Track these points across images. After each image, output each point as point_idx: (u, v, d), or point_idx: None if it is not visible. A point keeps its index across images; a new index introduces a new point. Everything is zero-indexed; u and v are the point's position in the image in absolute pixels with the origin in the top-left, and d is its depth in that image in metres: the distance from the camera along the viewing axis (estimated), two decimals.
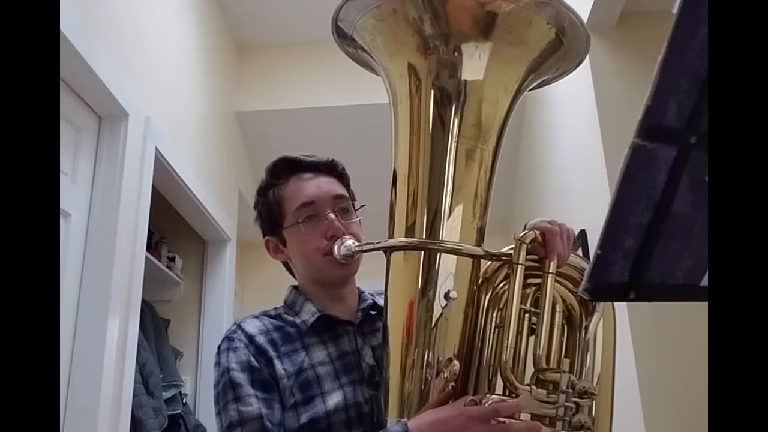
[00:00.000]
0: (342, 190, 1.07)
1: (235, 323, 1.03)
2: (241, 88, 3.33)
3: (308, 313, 1.03)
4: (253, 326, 1.00)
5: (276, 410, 0.92)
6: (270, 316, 1.05)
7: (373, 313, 1.06)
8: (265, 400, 0.92)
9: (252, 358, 0.95)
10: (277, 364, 0.96)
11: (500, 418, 0.84)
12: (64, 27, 1.50)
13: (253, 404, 0.91)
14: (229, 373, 0.94)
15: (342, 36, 1.02)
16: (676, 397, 1.62)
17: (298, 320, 1.03)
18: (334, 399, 0.94)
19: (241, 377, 0.94)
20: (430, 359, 0.91)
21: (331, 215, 1.02)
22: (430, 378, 0.91)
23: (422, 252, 0.94)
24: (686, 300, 0.57)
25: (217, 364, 0.97)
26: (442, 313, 0.92)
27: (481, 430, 0.82)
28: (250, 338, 0.98)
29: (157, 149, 2.13)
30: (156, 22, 2.31)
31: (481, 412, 0.84)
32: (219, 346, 0.99)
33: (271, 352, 0.97)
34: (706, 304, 0.49)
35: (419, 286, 0.93)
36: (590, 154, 2.03)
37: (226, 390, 0.94)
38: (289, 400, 0.93)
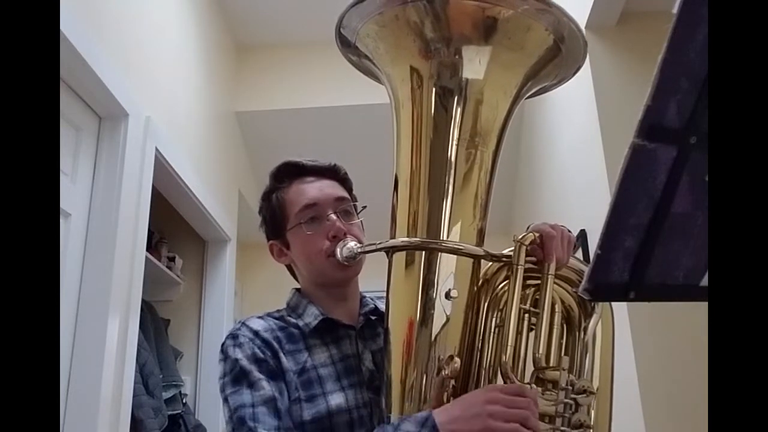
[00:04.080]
0: (344, 193, 1.08)
1: (239, 322, 1.04)
2: (241, 88, 3.33)
3: (311, 316, 1.03)
4: (257, 324, 1.02)
5: (285, 397, 0.94)
6: (274, 317, 1.05)
7: (373, 318, 1.07)
8: (275, 385, 0.94)
9: (257, 351, 0.96)
10: (282, 357, 0.97)
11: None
12: (64, 27, 1.50)
13: (266, 387, 0.92)
14: (238, 362, 0.95)
15: (345, 45, 1.03)
16: (676, 397, 1.62)
17: (300, 323, 1.03)
18: (336, 400, 0.95)
19: (250, 366, 0.95)
20: (431, 358, 0.92)
21: (333, 216, 1.03)
22: (431, 376, 0.91)
23: (423, 252, 0.95)
24: (686, 300, 0.57)
25: (224, 359, 0.98)
26: (443, 313, 0.92)
27: (499, 399, 0.82)
28: (255, 333, 0.99)
29: (157, 149, 2.13)
30: (156, 22, 2.31)
31: (506, 386, 0.86)
32: (223, 344, 1.00)
33: (276, 346, 0.98)
34: (706, 304, 0.49)
35: (420, 286, 0.94)
36: (590, 154, 2.03)
37: (238, 378, 0.94)
38: (293, 394, 0.95)
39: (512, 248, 0.93)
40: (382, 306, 1.08)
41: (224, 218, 2.98)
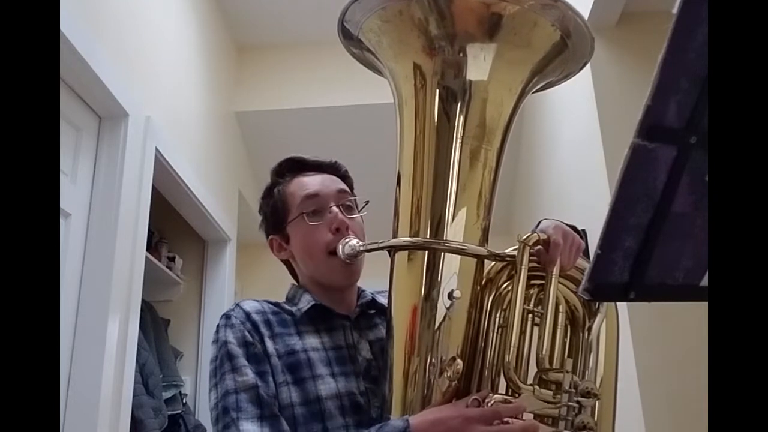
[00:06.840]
0: (345, 187, 1.08)
1: (235, 303, 1.04)
2: (241, 88, 3.33)
3: (304, 302, 1.03)
4: (251, 306, 1.02)
5: (270, 384, 0.94)
6: (269, 302, 1.06)
7: (371, 312, 1.07)
8: (259, 373, 0.94)
9: (247, 334, 0.97)
10: (269, 342, 0.97)
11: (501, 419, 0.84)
12: (64, 27, 1.49)
13: (249, 374, 0.92)
14: (227, 346, 0.96)
15: (348, 37, 1.02)
16: (676, 397, 1.62)
17: (294, 308, 1.03)
18: (327, 385, 0.95)
19: (237, 351, 0.95)
20: (433, 359, 0.91)
21: (335, 208, 1.03)
22: (433, 377, 0.91)
23: (426, 251, 0.94)
24: (686, 300, 0.57)
25: (216, 340, 0.99)
26: (446, 313, 0.92)
27: (479, 431, 0.83)
28: (247, 315, 0.99)
29: (157, 149, 2.13)
30: (156, 22, 2.31)
31: (480, 413, 0.84)
32: (218, 324, 1.00)
33: (264, 330, 0.98)
34: (706, 304, 0.49)
35: (423, 286, 0.93)
36: (590, 153, 2.03)
37: (223, 362, 0.95)
38: (279, 378, 0.94)
39: (516, 247, 0.93)
40: (380, 299, 1.08)
41: (224, 218, 2.98)
